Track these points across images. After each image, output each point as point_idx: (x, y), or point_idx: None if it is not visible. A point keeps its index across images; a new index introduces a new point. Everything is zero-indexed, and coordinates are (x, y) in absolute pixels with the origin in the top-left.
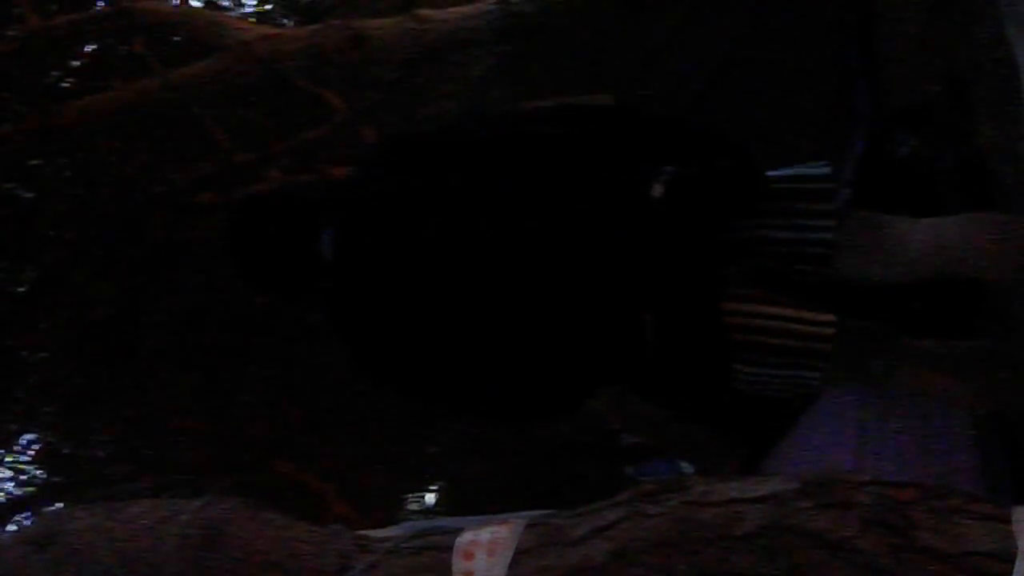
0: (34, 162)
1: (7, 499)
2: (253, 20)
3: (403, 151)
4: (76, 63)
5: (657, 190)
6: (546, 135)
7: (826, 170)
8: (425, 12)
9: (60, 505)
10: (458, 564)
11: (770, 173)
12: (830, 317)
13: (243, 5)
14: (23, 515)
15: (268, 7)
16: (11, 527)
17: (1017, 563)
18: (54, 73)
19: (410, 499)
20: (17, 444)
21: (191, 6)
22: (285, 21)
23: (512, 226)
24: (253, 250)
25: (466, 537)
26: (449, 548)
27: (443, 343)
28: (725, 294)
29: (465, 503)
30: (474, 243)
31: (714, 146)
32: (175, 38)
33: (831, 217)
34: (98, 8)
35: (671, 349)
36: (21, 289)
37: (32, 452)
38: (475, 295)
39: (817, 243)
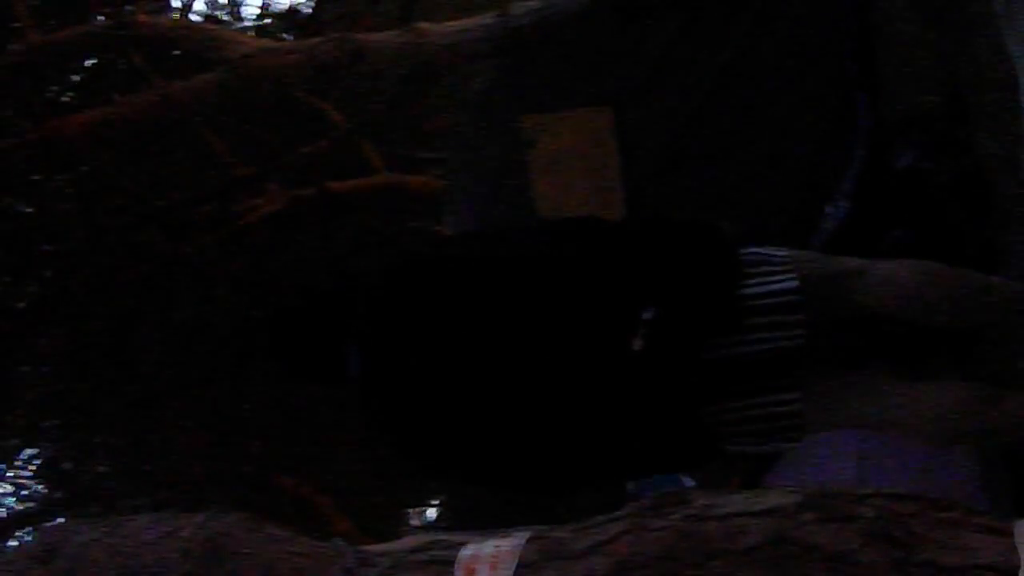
0: (34, 177)
1: (9, 514)
2: (252, 34)
3: (416, 273)
4: (76, 78)
5: (637, 344)
6: (541, 263)
7: (794, 283)
8: (424, 26)
9: (62, 520)
10: None
11: (742, 253)
12: (795, 394)
13: (243, 19)
14: (25, 530)
15: (268, 21)
16: (13, 542)
17: None
18: (54, 88)
19: (411, 513)
20: (18, 459)
21: (190, 20)
22: (285, 35)
23: (512, 360)
24: (287, 357)
25: (468, 551)
26: (451, 563)
27: (457, 438)
28: (704, 399)
29: (466, 517)
30: (477, 364)
31: (691, 265)
32: (175, 52)
33: (802, 327)
34: (98, 23)
35: (660, 451)
36: (21, 304)
37: (33, 467)
38: (484, 407)
39: (790, 351)
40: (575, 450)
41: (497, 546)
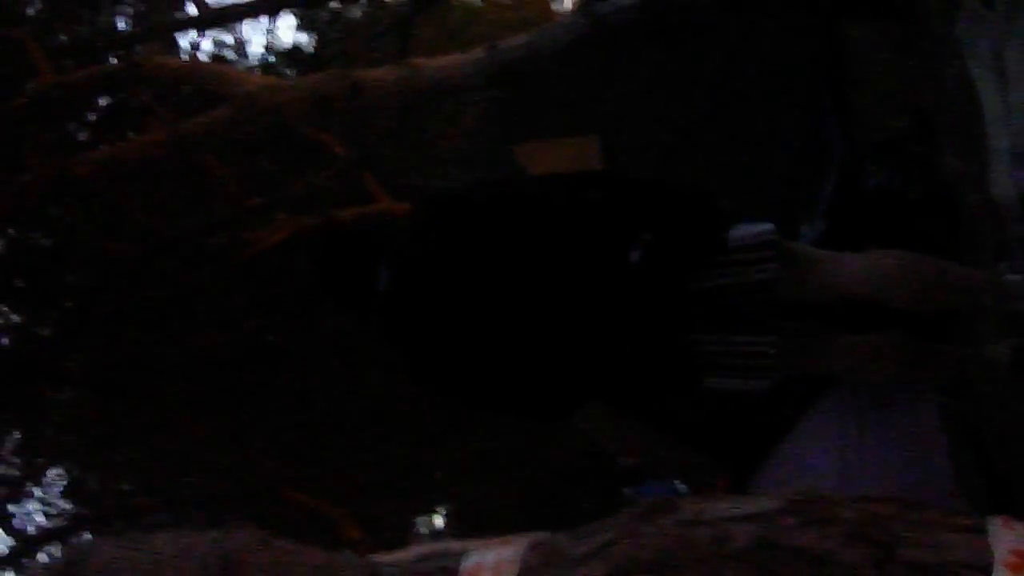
0: (53, 211)
1: (37, 530)
2: (258, 71)
3: (442, 212)
4: (91, 116)
5: (635, 256)
6: (555, 203)
7: (769, 226)
8: (419, 61)
9: (87, 536)
10: None
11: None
12: (771, 338)
13: (248, 57)
14: (52, 545)
15: (271, 59)
16: (41, 556)
17: (994, 572)
18: (70, 126)
19: (419, 522)
20: (45, 478)
21: (199, 60)
22: (288, 71)
23: (524, 280)
24: (329, 278)
25: (472, 560)
26: (456, 571)
27: (468, 357)
28: (691, 328)
29: (472, 524)
30: (492, 289)
31: (685, 208)
32: (184, 90)
33: (775, 261)
34: (110, 64)
35: (649, 371)
36: (45, 331)
37: (60, 485)
38: (492, 326)
39: (765, 283)
40: (575, 372)
41: (499, 553)
